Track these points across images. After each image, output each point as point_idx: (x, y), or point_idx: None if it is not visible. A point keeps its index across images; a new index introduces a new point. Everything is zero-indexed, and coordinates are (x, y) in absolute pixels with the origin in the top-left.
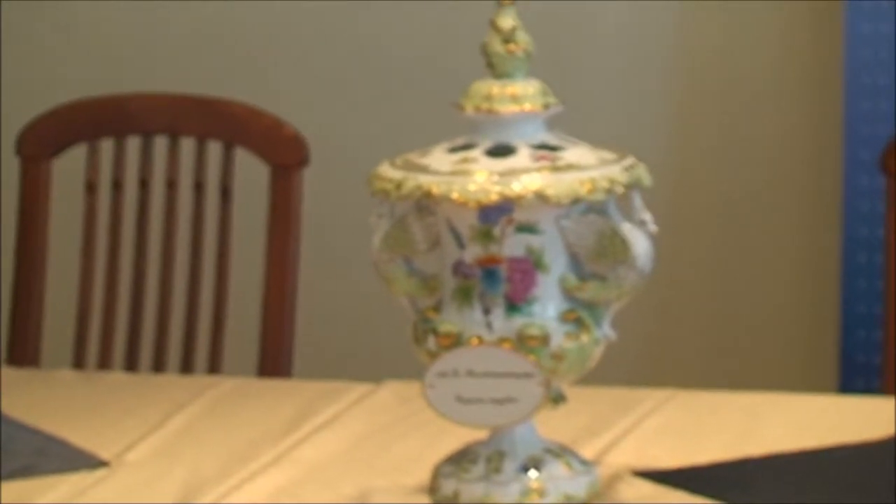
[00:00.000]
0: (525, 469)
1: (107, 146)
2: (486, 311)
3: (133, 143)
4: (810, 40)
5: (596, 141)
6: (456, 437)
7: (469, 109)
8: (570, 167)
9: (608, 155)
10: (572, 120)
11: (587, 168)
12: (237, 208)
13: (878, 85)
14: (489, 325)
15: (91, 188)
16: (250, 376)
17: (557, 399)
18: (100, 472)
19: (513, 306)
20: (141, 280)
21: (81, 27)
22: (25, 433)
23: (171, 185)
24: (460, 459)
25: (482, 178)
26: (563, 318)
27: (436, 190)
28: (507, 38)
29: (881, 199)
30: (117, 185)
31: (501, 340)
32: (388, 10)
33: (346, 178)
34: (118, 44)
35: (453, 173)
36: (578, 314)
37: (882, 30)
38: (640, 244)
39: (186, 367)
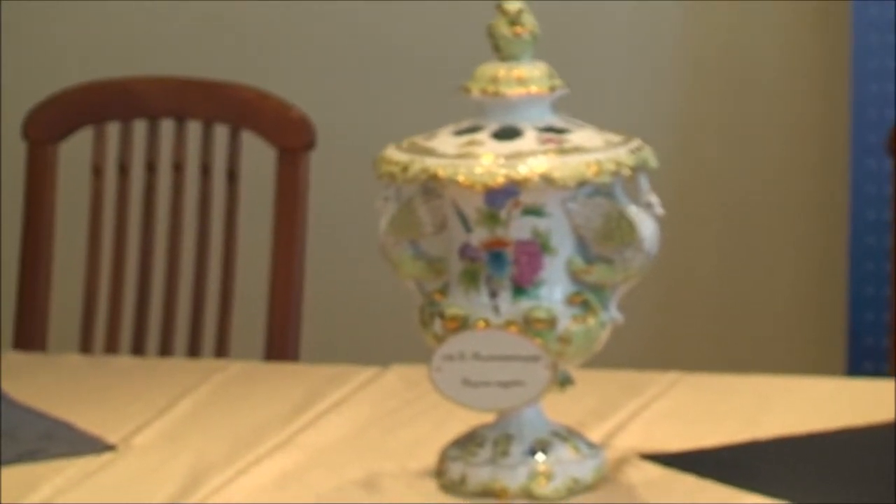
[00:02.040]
0: (532, 452)
1: (113, 130)
2: (493, 295)
3: (140, 127)
4: (817, 24)
5: (602, 125)
6: (463, 421)
7: (475, 92)
8: (576, 150)
9: (614, 137)
10: (578, 103)
11: (593, 150)
12: (244, 192)
13: (886, 68)
14: (496, 309)
15: (97, 172)
16: (257, 360)
17: (564, 382)
18: (106, 457)
19: (519, 289)
20: (148, 264)
21: (88, 11)
22: (32, 417)
23: (178, 168)
24: (467, 443)
25: (488, 161)
26: (570, 300)
27: (442, 173)
28: (514, 21)
29: (889, 182)
30: (124, 169)
31: (508, 323)
32: None
33: (353, 162)
34: (125, 27)
35: (459, 156)
36: (585, 297)
37: (889, 13)
38: (646, 227)
39: (193, 351)
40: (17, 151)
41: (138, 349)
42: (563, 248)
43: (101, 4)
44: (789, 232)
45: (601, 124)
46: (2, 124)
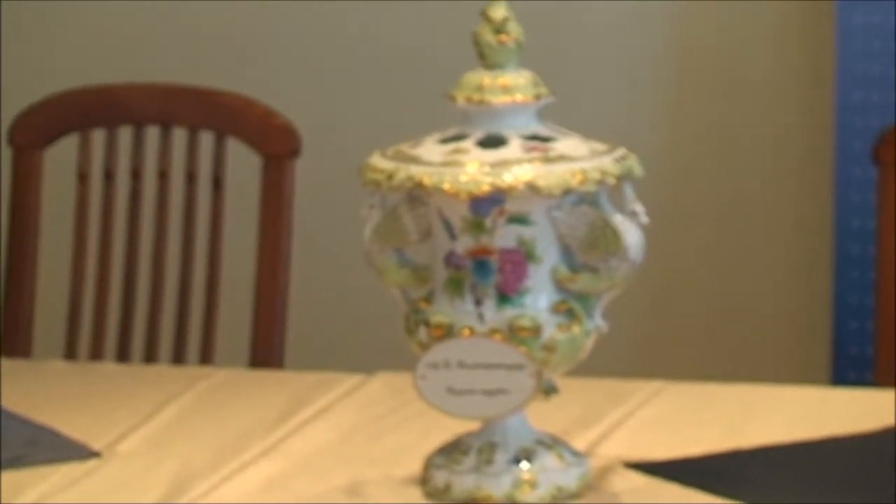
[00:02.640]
0: (517, 461)
1: (99, 136)
2: (478, 303)
3: (125, 133)
4: (803, 31)
5: (588, 133)
6: (447, 429)
7: (460, 100)
8: (561, 158)
9: (599, 146)
10: (564, 109)
11: (579, 159)
12: (229, 199)
13: (871, 76)
14: (481, 317)
15: (83, 178)
16: (242, 367)
17: (549, 390)
18: (91, 463)
19: (504, 297)
20: (133, 271)
21: (74, 17)
22: (17, 423)
23: (163, 175)
24: (452, 451)
25: (473, 169)
26: (555, 309)
27: (427, 181)
28: (499, 29)
29: (873, 190)
30: (109, 176)
31: (493, 332)
32: (379, 1)
33: (338, 169)
34: (111, 34)
35: (445, 164)
36: (570, 305)
37: (874, 20)
38: (631, 235)
39: (178, 357)
40: (2, 157)
41: (123, 356)
42: (548, 257)
43: (86, 11)
44: (774, 240)
45: (586, 131)
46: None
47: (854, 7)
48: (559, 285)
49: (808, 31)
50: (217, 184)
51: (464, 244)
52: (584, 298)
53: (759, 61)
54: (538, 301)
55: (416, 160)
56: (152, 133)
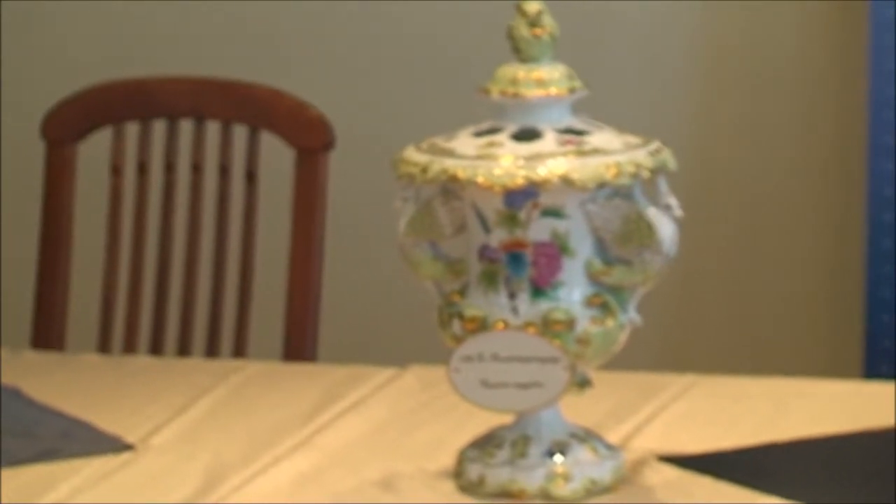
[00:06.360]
0: (550, 454)
1: (132, 130)
2: (512, 296)
3: (158, 127)
4: (835, 25)
5: (617, 126)
6: (481, 422)
7: (495, 93)
8: (595, 151)
9: (633, 139)
10: (597, 105)
11: (613, 152)
12: (262, 192)
13: None
14: (514, 310)
15: (116, 172)
16: (275, 360)
17: (583, 384)
18: (124, 456)
19: (538, 291)
20: (166, 264)
21: (105, 10)
22: (50, 416)
23: (197, 168)
24: (485, 444)
25: (508, 163)
26: (589, 302)
27: (461, 174)
28: (533, 22)
29: None
30: (142, 169)
31: (527, 325)
32: None
33: (372, 162)
34: (143, 27)
35: (479, 157)
36: (604, 298)
37: None
38: (665, 228)
39: (211, 351)
40: (35, 151)
41: (156, 349)
42: (582, 250)
43: (118, 4)
44: (805, 234)
45: (617, 126)
46: (7, 123)
47: (888, 2)
48: (593, 278)
49: (841, 25)
50: (250, 177)
51: (498, 237)
52: (618, 292)
53: (791, 55)
54: (572, 294)
55: (450, 153)
56: (185, 126)
